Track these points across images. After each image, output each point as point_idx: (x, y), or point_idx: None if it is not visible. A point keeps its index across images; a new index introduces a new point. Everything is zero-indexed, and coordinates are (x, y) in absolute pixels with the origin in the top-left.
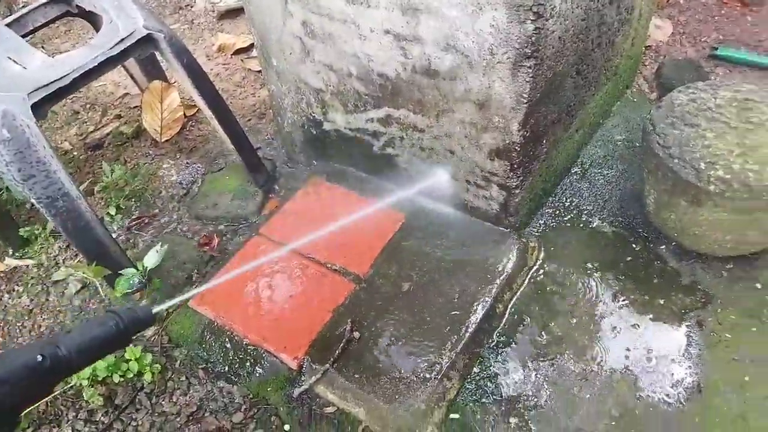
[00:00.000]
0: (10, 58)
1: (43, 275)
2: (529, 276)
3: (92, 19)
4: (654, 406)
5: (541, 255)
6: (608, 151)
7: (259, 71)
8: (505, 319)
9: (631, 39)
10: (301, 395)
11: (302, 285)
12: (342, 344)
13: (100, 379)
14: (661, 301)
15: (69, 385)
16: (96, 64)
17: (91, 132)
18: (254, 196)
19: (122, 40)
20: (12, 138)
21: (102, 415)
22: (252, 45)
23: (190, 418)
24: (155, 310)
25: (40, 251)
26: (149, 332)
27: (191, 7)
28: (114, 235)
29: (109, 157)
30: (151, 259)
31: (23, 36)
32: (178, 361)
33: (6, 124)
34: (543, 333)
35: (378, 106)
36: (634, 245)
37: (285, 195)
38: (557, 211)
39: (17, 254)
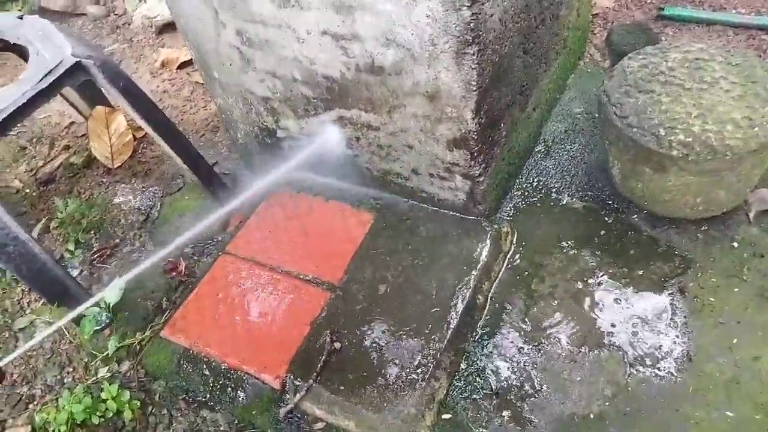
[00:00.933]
0: None
1: (10, 321)
2: (505, 262)
3: (21, 52)
4: (647, 381)
5: (515, 239)
6: (568, 125)
7: None
8: (486, 310)
9: (575, 10)
10: (288, 415)
11: (276, 300)
12: (324, 357)
13: (78, 422)
14: (641, 272)
15: None
16: (25, 100)
17: (41, 166)
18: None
19: (50, 71)
20: None
21: None
22: None
23: None
24: None
25: (4, 297)
26: (124, 367)
27: (128, 25)
28: (76, 272)
29: (63, 190)
30: (112, 295)
31: None
32: (158, 395)
33: None
34: (526, 319)
35: (329, 109)
36: (606, 218)
37: (248, 209)
38: (526, 193)
39: None
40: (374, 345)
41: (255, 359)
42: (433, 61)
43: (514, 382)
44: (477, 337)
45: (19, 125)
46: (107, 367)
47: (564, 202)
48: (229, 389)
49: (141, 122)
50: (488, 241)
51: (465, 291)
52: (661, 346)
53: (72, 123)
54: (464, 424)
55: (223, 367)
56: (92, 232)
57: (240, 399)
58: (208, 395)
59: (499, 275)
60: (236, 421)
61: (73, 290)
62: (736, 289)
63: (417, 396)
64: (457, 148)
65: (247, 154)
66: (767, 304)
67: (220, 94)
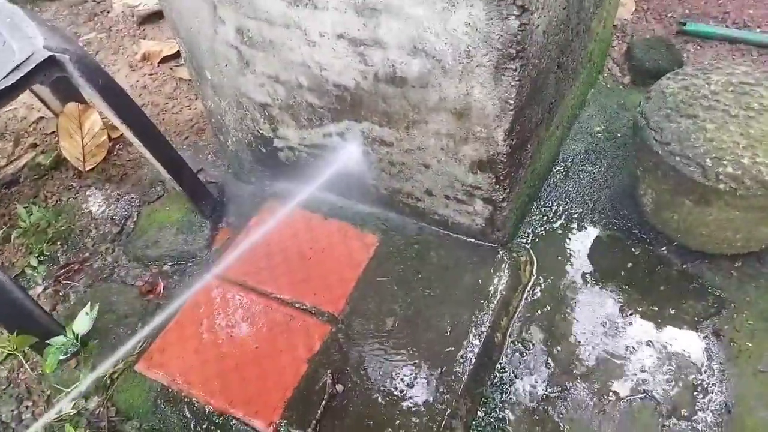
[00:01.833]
0: None
1: None
2: (524, 295)
3: None
4: None
5: (534, 269)
6: (589, 144)
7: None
8: (505, 350)
9: (603, 21)
10: None
11: (269, 332)
12: (324, 401)
13: None
14: (672, 311)
15: None
16: None
17: (4, 166)
18: (201, 228)
19: (18, 66)
20: None
21: None
22: None
23: None
24: None
25: None
26: (92, 404)
27: (107, 12)
28: (39, 289)
29: (27, 194)
30: (81, 325)
31: None
32: None
33: None
34: (549, 361)
35: (337, 120)
36: (633, 249)
37: (237, 224)
38: (545, 218)
39: None
40: (381, 389)
41: (244, 401)
42: (466, 75)
43: None
44: (496, 380)
45: None
46: (73, 403)
47: (587, 230)
48: None
49: (120, 125)
50: (506, 272)
51: (482, 329)
52: (697, 395)
53: (41, 118)
54: None
55: (207, 410)
56: (59, 243)
57: None
58: None
59: (518, 310)
60: None
61: (36, 315)
62: None
63: None
64: (481, 170)
65: (237, 162)
66: None
67: (211, 97)
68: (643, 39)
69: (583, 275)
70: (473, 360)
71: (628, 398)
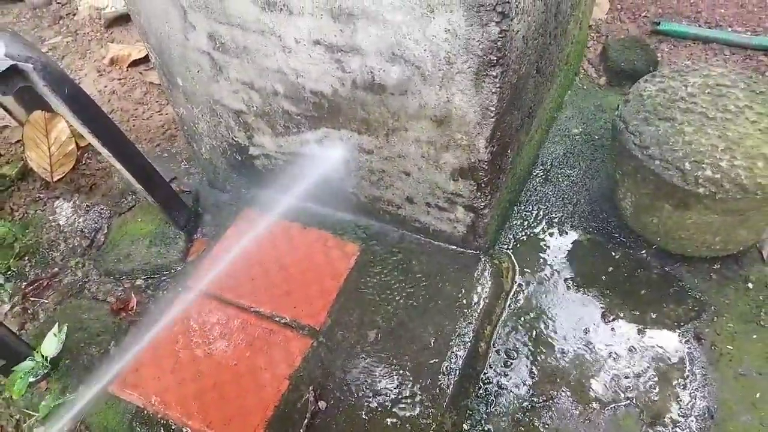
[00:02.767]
0: None
1: None
2: (507, 303)
3: None
4: None
5: (517, 276)
6: (567, 147)
7: None
8: (489, 359)
9: (579, 23)
10: None
11: (248, 348)
12: (306, 419)
13: None
14: (654, 315)
15: None
16: None
17: None
18: (176, 240)
19: None
20: None
21: None
22: None
23: None
24: None
25: None
26: (65, 427)
27: (73, 15)
28: (7, 308)
29: None
30: (50, 347)
31: None
32: None
33: None
34: (533, 370)
35: (314, 127)
36: (613, 253)
37: (213, 234)
38: (525, 222)
39: None
40: (365, 405)
41: (224, 422)
42: (446, 82)
43: None
44: (480, 391)
45: None
46: (43, 427)
47: (567, 234)
48: None
49: (88, 135)
50: (488, 279)
51: (466, 338)
52: (680, 401)
53: (5, 127)
54: None
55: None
56: (26, 258)
57: None
58: None
59: (501, 317)
60: None
61: (2, 337)
62: (754, 336)
63: None
64: (462, 178)
65: (212, 170)
66: None
67: (183, 103)
68: (618, 39)
69: (565, 280)
70: (457, 371)
71: (612, 406)
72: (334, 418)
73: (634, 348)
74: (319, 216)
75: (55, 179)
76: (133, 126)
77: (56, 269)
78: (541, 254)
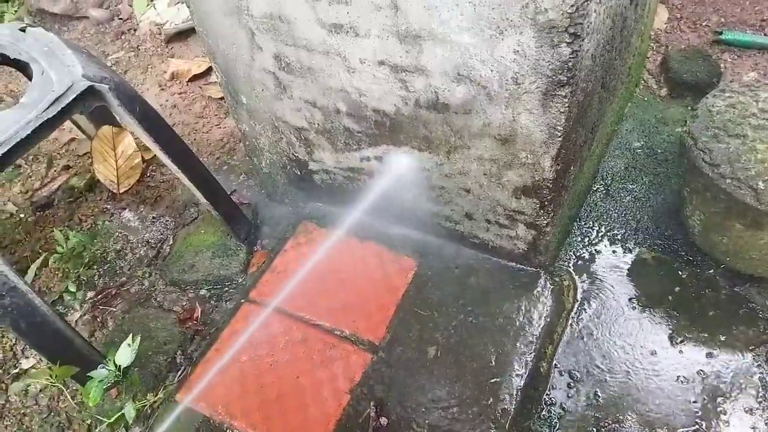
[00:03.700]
0: None
1: (2, 372)
2: (569, 322)
3: (22, 67)
4: None
5: (578, 294)
6: (628, 161)
7: (221, 98)
8: (551, 380)
9: (641, 35)
10: None
11: (309, 361)
12: None
13: None
14: (723, 338)
15: None
16: (29, 131)
17: (38, 189)
18: (237, 252)
19: (58, 98)
20: None
21: None
22: (210, 69)
23: None
24: None
25: None
26: None
27: (134, 31)
28: (77, 315)
29: (62, 217)
30: (123, 357)
31: None
32: None
33: None
34: (598, 392)
35: (374, 144)
36: (680, 272)
37: (273, 246)
38: (587, 239)
39: None
40: (426, 423)
41: None
42: (513, 102)
43: None
44: (543, 413)
45: None
46: None
47: (631, 252)
48: None
49: (158, 151)
50: (549, 297)
51: (527, 358)
52: (755, 428)
53: (72, 139)
54: None
55: None
56: (95, 267)
57: None
58: None
59: (563, 337)
60: None
61: (77, 344)
62: None
63: None
64: (525, 196)
65: (271, 183)
66: None
67: (246, 120)
68: (679, 49)
69: (629, 299)
70: (520, 392)
71: (681, 431)
72: None
73: (704, 372)
74: (376, 230)
75: (121, 191)
76: (194, 139)
77: (124, 278)
78: (603, 272)
